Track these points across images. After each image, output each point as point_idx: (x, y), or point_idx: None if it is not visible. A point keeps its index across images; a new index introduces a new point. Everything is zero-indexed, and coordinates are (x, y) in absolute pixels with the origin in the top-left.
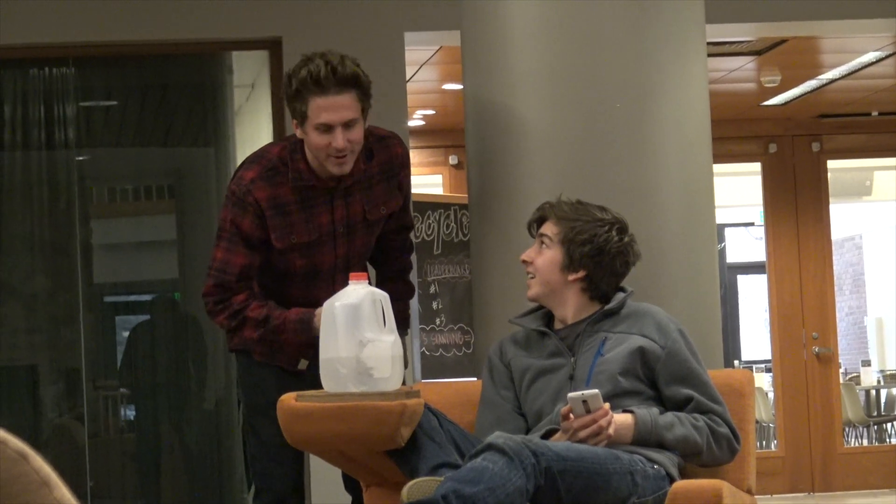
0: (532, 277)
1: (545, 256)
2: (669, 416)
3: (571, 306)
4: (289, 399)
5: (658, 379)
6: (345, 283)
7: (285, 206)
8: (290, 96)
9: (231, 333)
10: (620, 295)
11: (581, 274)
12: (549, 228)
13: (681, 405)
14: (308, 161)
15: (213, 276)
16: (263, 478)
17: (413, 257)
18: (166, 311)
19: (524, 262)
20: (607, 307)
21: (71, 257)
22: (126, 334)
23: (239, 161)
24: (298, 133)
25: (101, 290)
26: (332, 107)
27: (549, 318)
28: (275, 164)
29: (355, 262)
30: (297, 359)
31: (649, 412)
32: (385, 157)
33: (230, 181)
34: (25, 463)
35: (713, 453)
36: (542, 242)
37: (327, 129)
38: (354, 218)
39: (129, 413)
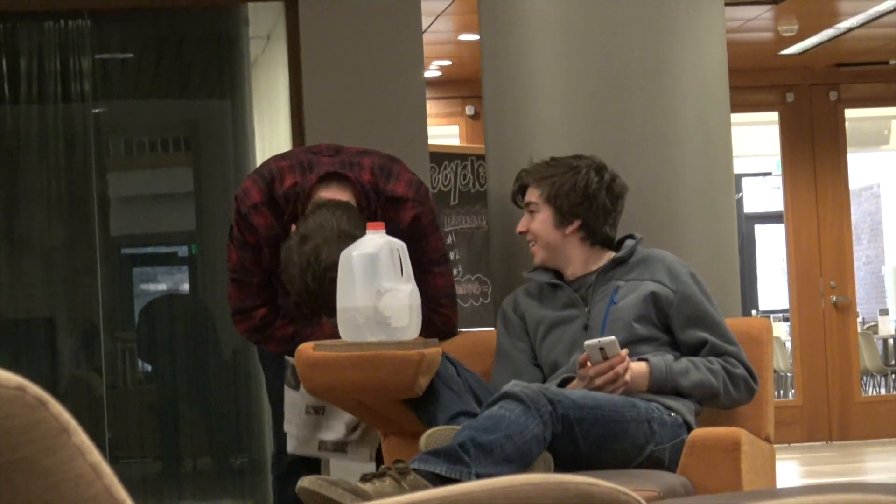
0: (534, 244)
1: (537, 220)
2: (684, 362)
3: (578, 259)
4: (307, 348)
5: (672, 323)
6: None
7: (282, 237)
8: None
9: (255, 343)
10: (630, 242)
11: (576, 224)
12: (532, 194)
13: (696, 349)
14: None
15: (230, 280)
16: (276, 427)
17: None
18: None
19: (521, 233)
20: (617, 255)
21: (88, 210)
22: (143, 286)
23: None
24: None
25: (118, 242)
26: None
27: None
28: (282, 196)
29: None
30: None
31: (664, 359)
32: (395, 217)
33: (237, 191)
34: (44, 409)
35: (731, 395)
36: (531, 210)
37: None
38: None
39: (147, 365)
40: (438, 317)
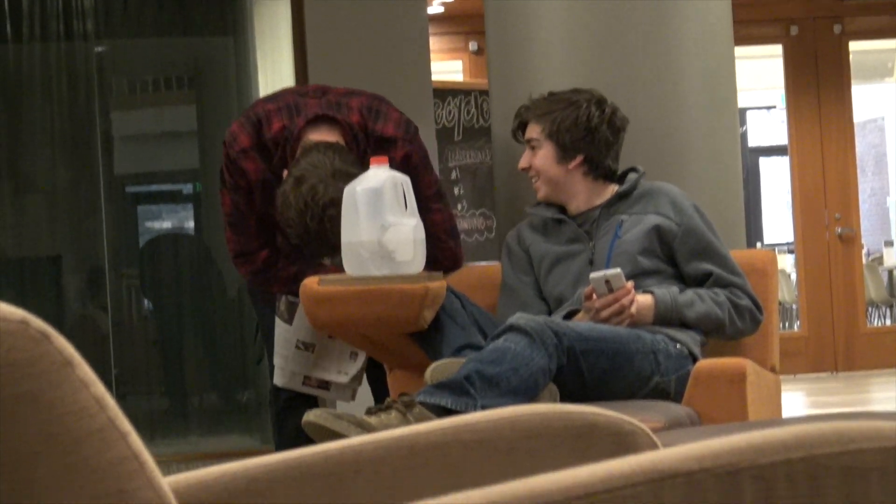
0: (537, 180)
1: (539, 156)
2: (689, 294)
3: (581, 194)
4: (311, 283)
5: (676, 256)
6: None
7: (271, 182)
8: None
9: (258, 286)
10: (633, 175)
11: (578, 159)
12: (532, 131)
13: (701, 280)
14: None
15: (226, 225)
16: (270, 362)
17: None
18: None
19: (524, 169)
20: (621, 189)
21: (91, 149)
22: (147, 224)
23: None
24: None
25: (123, 180)
26: None
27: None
28: (270, 140)
29: None
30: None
31: (669, 291)
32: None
33: (226, 135)
34: (48, 342)
35: (736, 326)
36: (532, 146)
37: None
38: None
39: (151, 302)
40: (442, 252)
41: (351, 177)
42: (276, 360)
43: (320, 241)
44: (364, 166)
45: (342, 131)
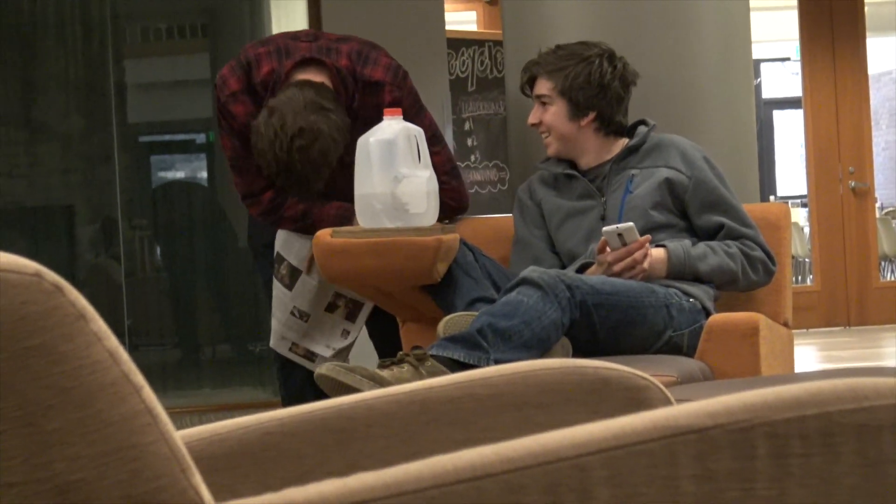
0: (547, 136)
1: (550, 113)
2: (702, 247)
3: (592, 150)
4: (324, 235)
5: (688, 208)
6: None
7: None
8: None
9: (270, 226)
10: (643, 129)
11: (591, 116)
12: (542, 86)
13: (713, 233)
14: None
15: (231, 167)
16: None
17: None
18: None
19: (533, 125)
20: (630, 143)
21: (105, 97)
22: (160, 174)
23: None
24: None
25: (136, 129)
26: None
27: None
28: (260, 83)
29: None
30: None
31: (681, 244)
32: (372, 102)
33: (216, 78)
34: (61, 295)
35: (749, 278)
36: (543, 102)
37: None
38: (338, 163)
39: (165, 252)
40: (445, 193)
41: (325, 110)
42: (272, 322)
43: (289, 172)
44: (351, 111)
45: (330, 75)
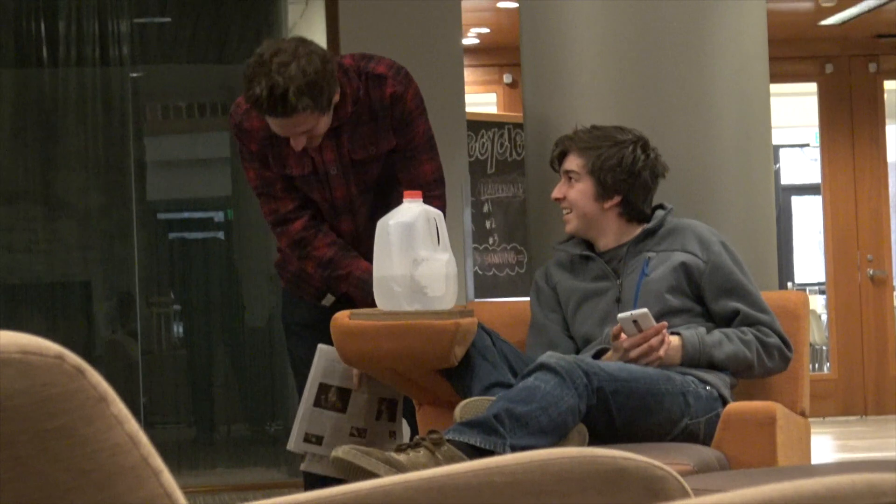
0: (568, 213)
1: (576, 190)
2: (717, 335)
3: (612, 233)
4: (342, 317)
5: (704, 293)
6: (352, 222)
7: (277, 138)
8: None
9: (299, 261)
10: (660, 213)
11: (616, 200)
12: (573, 162)
13: (728, 318)
14: None
15: (259, 196)
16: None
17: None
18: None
19: (556, 199)
20: (648, 226)
21: (125, 174)
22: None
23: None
24: None
25: (155, 206)
26: (285, 126)
27: (591, 242)
28: None
29: (361, 200)
30: (324, 293)
31: (696, 332)
32: (376, 95)
33: (231, 108)
34: (83, 378)
35: (765, 365)
36: (570, 178)
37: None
38: (345, 159)
39: (182, 330)
40: (430, 201)
41: (311, 45)
42: (299, 429)
43: (272, 90)
44: (360, 101)
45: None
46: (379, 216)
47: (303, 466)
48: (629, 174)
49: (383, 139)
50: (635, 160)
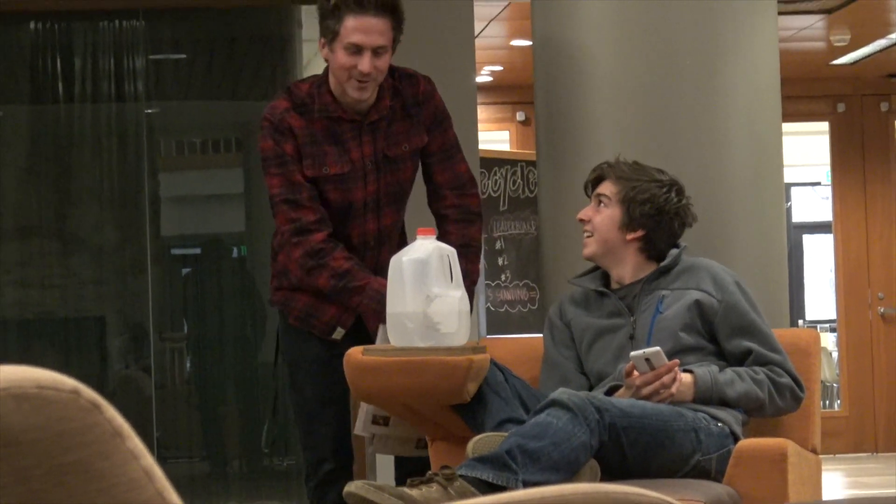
0: (589, 236)
1: (604, 215)
2: (729, 373)
3: (629, 266)
4: (356, 353)
5: (717, 332)
6: (376, 221)
7: (317, 136)
8: (325, 12)
9: (306, 274)
10: (674, 251)
11: (640, 233)
12: (607, 188)
13: (741, 358)
14: (333, 93)
15: (280, 204)
16: (306, 437)
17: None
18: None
19: (581, 220)
20: (662, 265)
21: (139, 209)
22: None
23: None
24: (324, 53)
25: (169, 242)
26: (367, 29)
27: (606, 278)
28: (303, 99)
29: (386, 201)
30: (334, 327)
31: (709, 370)
32: (409, 93)
33: (264, 113)
34: (98, 413)
35: (776, 405)
36: (601, 202)
37: (357, 50)
38: (379, 155)
39: (195, 364)
40: (470, 200)
41: None
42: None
43: None
44: (397, 93)
45: None
46: (397, 221)
47: (370, 451)
48: (658, 211)
49: (415, 136)
50: (667, 201)
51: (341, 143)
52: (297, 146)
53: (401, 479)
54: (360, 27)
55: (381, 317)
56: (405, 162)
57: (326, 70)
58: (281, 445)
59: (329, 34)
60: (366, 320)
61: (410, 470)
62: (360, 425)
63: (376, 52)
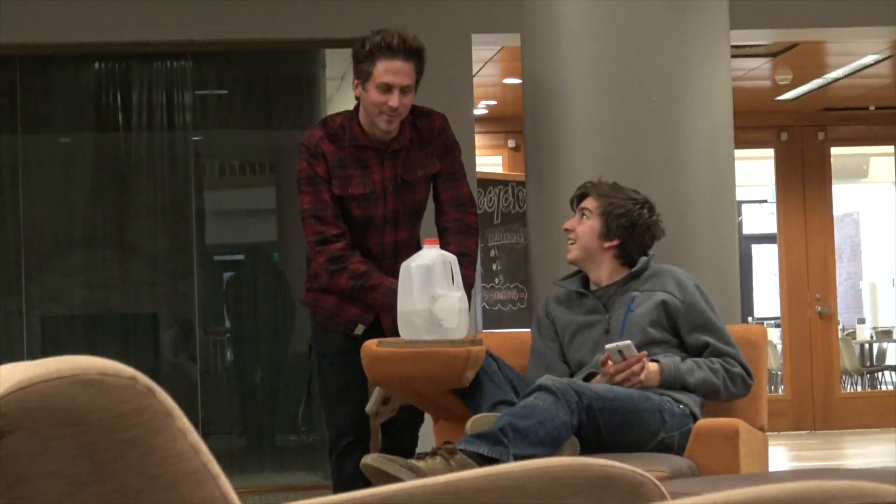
0: (573, 243)
1: (585, 225)
2: (690, 363)
3: (605, 270)
4: (371, 345)
5: (680, 328)
6: (393, 234)
7: (345, 161)
8: (360, 57)
9: (329, 276)
10: (644, 259)
11: (615, 242)
12: (590, 203)
13: (700, 350)
14: (362, 126)
15: (309, 218)
16: (329, 414)
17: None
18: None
19: (566, 230)
20: (633, 270)
21: (187, 222)
22: (232, 288)
23: None
24: (357, 92)
25: (212, 250)
26: (396, 71)
27: (586, 281)
28: (336, 130)
29: (402, 217)
30: (355, 324)
31: (673, 360)
32: (426, 127)
33: (302, 140)
34: (152, 396)
35: (729, 391)
36: (584, 214)
37: (387, 89)
38: (398, 179)
39: (234, 354)
40: (469, 216)
41: None
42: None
43: (396, 30)
44: (415, 128)
45: None
46: (413, 235)
47: (375, 422)
48: (632, 224)
49: (429, 164)
50: (640, 216)
51: (366, 168)
52: (328, 169)
53: (386, 449)
54: (390, 69)
55: (392, 311)
56: (420, 185)
57: (356, 106)
58: (310, 423)
59: (363, 75)
60: (379, 314)
61: (391, 444)
62: (371, 405)
63: (403, 90)
